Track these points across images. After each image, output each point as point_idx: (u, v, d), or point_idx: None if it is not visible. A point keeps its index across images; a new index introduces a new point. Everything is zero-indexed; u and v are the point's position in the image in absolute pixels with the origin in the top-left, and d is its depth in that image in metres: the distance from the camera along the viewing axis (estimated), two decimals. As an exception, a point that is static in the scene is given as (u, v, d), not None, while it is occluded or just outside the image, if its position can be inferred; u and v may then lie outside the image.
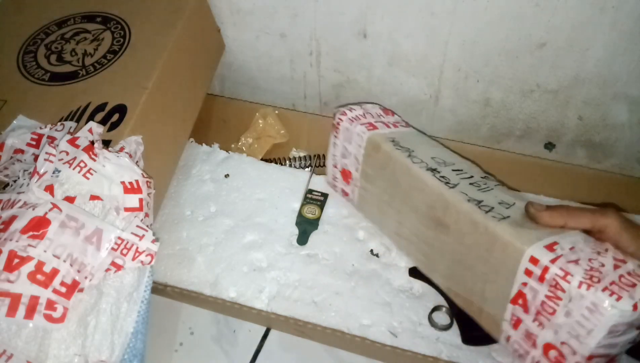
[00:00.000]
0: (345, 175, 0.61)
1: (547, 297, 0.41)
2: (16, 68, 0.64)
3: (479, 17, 0.61)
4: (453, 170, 0.53)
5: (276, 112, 0.78)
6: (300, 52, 0.75)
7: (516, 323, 0.45)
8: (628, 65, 0.60)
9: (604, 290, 0.37)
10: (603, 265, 0.40)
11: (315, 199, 0.66)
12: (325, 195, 0.66)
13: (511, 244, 0.43)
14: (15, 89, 0.62)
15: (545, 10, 0.57)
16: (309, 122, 0.78)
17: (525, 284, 0.42)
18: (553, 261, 0.40)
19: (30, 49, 0.67)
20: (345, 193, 0.64)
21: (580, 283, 0.39)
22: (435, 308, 0.56)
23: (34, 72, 0.64)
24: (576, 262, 0.40)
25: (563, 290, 0.40)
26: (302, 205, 0.65)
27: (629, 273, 0.39)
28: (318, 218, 0.64)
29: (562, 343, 0.41)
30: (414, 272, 0.59)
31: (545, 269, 0.40)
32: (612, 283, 0.38)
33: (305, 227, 0.63)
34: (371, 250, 0.61)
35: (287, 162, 0.76)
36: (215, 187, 0.69)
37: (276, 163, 0.74)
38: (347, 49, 0.71)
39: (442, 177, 0.51)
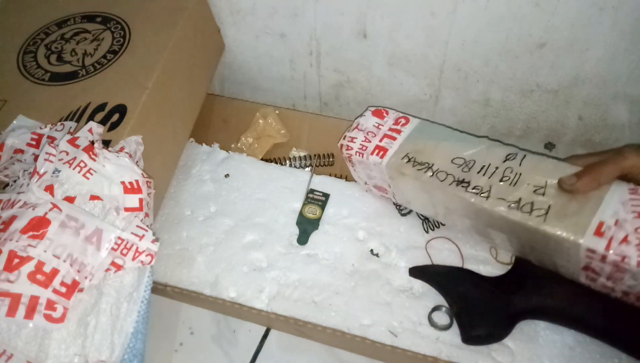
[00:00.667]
0: (380, 188, 0.62)
1: (612, 271, 0.45)
2: (16, 68, 0.64)
3: (479, 17, 0.61)
4: (478, 171, 0.52)
5: (276, 111, 0.78)
6: (300, 52, 0.75)
7: (592, 279, 0.49)
8: (628, 65, 0.60)
9: None
10: None
11: (317, 199, 0.66)
12: (326, 196, 0.66)
13: (565, 240, 0.46)
14: (15, 89, 0.62)
15: (545, 10, 0.57)
16: (309, 122, 0.78)
17: (589, 263, 0.47)
18: (607, 248, 0.44)
19: (30, 49, 0.67)
20: (385, 196, 0.64)
21: (638, 262, 0.43)
22: (435, 308, 0.56)
23: (34, 72, 0.64)
24: (626, 240, 0.44)
25: (625, 269, 0.44)
26: (304, 205, 0.65)
27: None
28: (319, 219, 0.64)
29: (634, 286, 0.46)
30: (414, 272, 0.59)
31: (604, 257, 0.44)
32: None
33: (306, 227, 0.63)
34: (371, 250, 0.61)
35: (287, 161, 0.76)
36: (215, 187, 0.69)
37: (276, 163, 0.74)
38: (347, 49, 0.71)
39: (474, 188, 0.51)
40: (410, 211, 0.64)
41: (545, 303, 0.53)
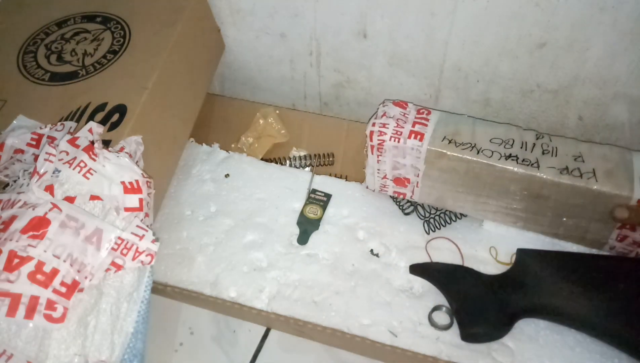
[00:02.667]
0: (400, 181, 0.61)
1: None
2: (16, 68, 0.64)
3: (479, 17, 0.61)
4: (520, 147, 0.55)
5: (276, 111, 0.78)
6: (300, 52, 0.75)
7: (622, 238, 0.54)
8: (628, 65, 0.60)
9: None
10: None
11: (319, 199, 0.65)
12: (328, 196, 0.66)
13: (617, 196, 0.50)
14: (15, 89, 0.62)
15: (545, 10, 0.57)
16: (310, 122, 0.78)
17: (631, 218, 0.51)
18: None
19: (30, 49, 0.67)
20: (400, 194, 0.63)
21: None
22: (435, 308, 0.56)
23: (34, 72, 0.64)
24: None
25: None
26: (305, 205, 0.65)
27: None
28: (320, 219, 0.64)
29: None
30: (415, 269, 0.59)
31: (623, 205, 0.49)
32: None
33: (307, 227, 0.63)
34: (371, 250, 0.61)
35: (288, 161, 0.76)
36: (216, 186, 0.69)
37: (276, 163, 0.74)
38: (347, 49, 0.71)
39: (524, 160, 0.54)
40: (414, 210, 0.63)
41: (545, 302, 0.53)
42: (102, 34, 0.66)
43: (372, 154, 0.59)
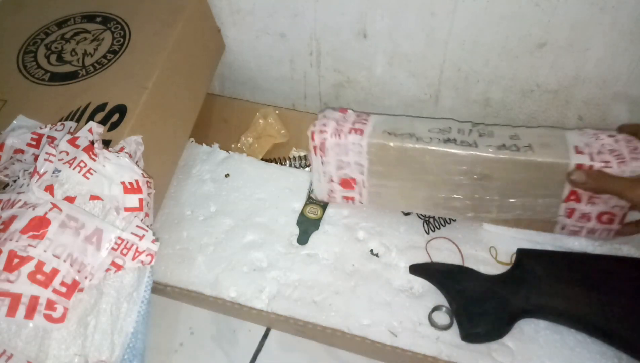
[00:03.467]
0: (347, 183, 0.61)
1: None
2: (16, 68, 0.64)
3: (479, 17, 0.61)
4: (457, 132, 0.57)
5: (276, 111, 0.78)
6: (300, 52, 0.75)
7: (570, 213, 0.55)
8: (628, 65, 0.60)
9: (632, 160, 0.51)
10: (612, 145, 0.53)
11: (319, 200, 0.65)
12: (325, 195, 0.66)
13: (556, 164, 0.52)
14: (15, 89, 0.62)
15: (545, 10, 0.57)
16: (309, 122, 0.77)
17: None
18: (591, 159, 0.51)
19: (30, 49, 0.67)
20: (348, 199, 0.63)
21: (619, 163, 0.51)
22: (435, 308, 0.56)
23: (34, 72, 0.64)
24: (600, 151, 0.52)
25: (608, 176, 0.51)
26: (305, 205, 0.65)
27: (634, 149, 0.52)
28: (320, 219, 0.64)
29: (613, 206, 0.53)
30: (415, 269, 0.59)
31: (590, 168, 0.51)
32: (632, 155, 0.51)
33: (307, 227, 0.63)
34: (371, 250, 0.61)
35: (288, 161, 0.76)
36: (216, 186, 0.69)
37: (276, 163, 0.74)
38: (347, 49, 0.71)
39: (462, 142, 0.55)
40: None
41: (545, 302, 0.53)
42: (102, 34, 0.66)
43: (316, 155, 0.59)
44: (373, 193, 0.61)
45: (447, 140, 0.55)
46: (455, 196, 0.57)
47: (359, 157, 0.57)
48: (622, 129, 0.55)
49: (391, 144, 0.55)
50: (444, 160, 0.55)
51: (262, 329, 0.60)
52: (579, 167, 0.51)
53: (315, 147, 0.59)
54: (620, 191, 0.50)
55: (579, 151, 0.52)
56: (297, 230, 0.63)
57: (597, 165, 0.51)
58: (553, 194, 0.54)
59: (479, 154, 0.53)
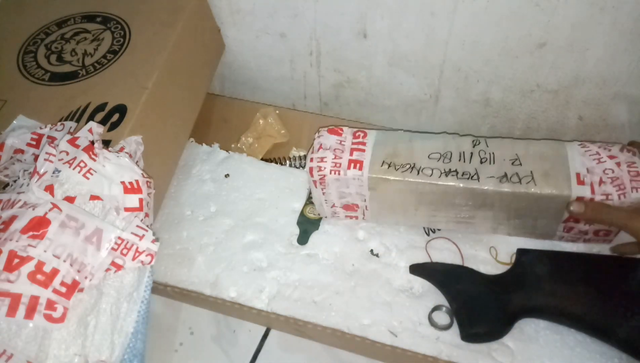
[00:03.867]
0: (349, 207, 0.61)
1: None
2: (16, 68, 0.64)
3: (479, 17, 0.61)
4: (459, 160, 0.56)
5: (276, 111, 0.78)
6: (300, 52, 0.75)
7: (569, 229, 0.56)
8: (628, 65, 0.60)
9: (632, 191, 0.50)
10: (614, 171, 0.52)
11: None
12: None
13: (557, 196, 0.52)
14: (15, 89, 0.62)
15: (545, 10, 0.57)
16: (309, 122, 0.78)
17: None
18: (592, 192, 0.51)
19: (30, 49, 0.67)
20: (352, 217, 0.63)
21: (619, 196, 0.50)
22: (435, 308, 0.56)
23: (34, 72, 0.64)
24: (602, 181, 0.51)
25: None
26: (305, 205, 0.65)
27: (637, 175, 0.51)
28: (320, 219, 0.64)
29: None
30: (414, 269, 0.59)
31: (591, 200, 0.51)
32: (633, 184, 0.51)
33: (307, 227, 0.63)
34: (371, 250, 0.61)
35: (288, 161, 0.76)
36: (216, 186, 0.69)
37: (276, 163, 0.74)
38: (347, 49, 0.71)
39: (463, 174, 0.54)
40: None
41: (544, 302, 0.53)
42: (102, 34, 0.66)
43: (316, 188, 0.59)
44: (375, 213, 0.61)
45: (449, 172, 0.54)
46: (456, 217, 0.58)
47: (359, 189, 0.57)
48: (633, 144, 0.55)
49: (391, 178, 0.55)
50: (445, 192, 0.55)
51: (262, 329, 0.60)
52: (580, 199, 0.51)
53: (315, 181, 0.58)
54: (619, 223, 0.51)
55: (580, 182, 0.51)
56: (297, 230, 0.63)
57: (598, 197, 0.51)
58: (552, 217, 0.55)
59: (481, 188, 0.53)
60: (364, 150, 0.57)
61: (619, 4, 0.54)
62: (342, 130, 0.60)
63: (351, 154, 0.57)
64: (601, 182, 0.51)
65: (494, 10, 0.59)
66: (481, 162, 0.55)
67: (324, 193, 0.59)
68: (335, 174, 0.56)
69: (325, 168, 0.57)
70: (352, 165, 0.56)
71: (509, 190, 0.52)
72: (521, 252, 0.57)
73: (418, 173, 0.55)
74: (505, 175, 0.53)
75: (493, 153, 0.55)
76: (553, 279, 0.54)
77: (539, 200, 0.52)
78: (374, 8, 0.65)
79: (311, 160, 0.58)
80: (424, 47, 0.66)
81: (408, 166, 0.55)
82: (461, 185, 0.53)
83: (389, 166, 0.55)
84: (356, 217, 0.63)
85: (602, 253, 0.58)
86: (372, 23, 0.66)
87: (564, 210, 0.53)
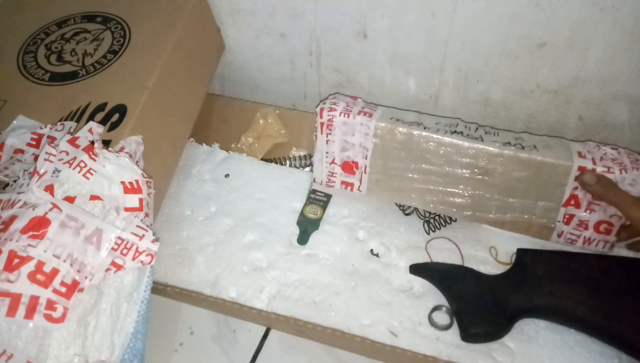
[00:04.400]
0: (348, 166, 0.61)
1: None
2: (16, 68, 0.64)
3: (479, 17, 0.61)
4: (464, 128, 0.58)
5: (277, 111, 0.78)
6: (300, 52, 0.75)
7: (568, 219, 0.56)
8: (628, 65, 0.60)
9: (633, 169, 0.52)
10: (613, 154, 0.54)
11: (319, 199, 0.65)
12: (328, 196, 0.66)
13: (559, 165, 0.53)
14: (15, 89, 0.62)
15: (545, 10, 0.57)
16: (309, 122, 0.78)
17: (576, 188, 0.54)
18: (594, 163, 0.52)
19: (30, 49, 0.67)
20: (347, 186, 0.63)
21: (620, 170, 0.52)
22: (435, 308, 0.56)
23: (34, 72, 0.64)
24: (602, 158, 0.53)
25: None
26: (305, 205, 0.65)
27: (636, 160, 0.54)
28: (320, 219, 0.64)
29: (611, 215, 0.54)
30: (415, 269, 0.59)
31: (593, 170, 0.52)
32: (633, 165, 0.53)
33: (307, 227, 0.63)
34: (371, 250, 0.61)
35: (288, 161, 0.76)
36: (216, 186, 0.69)
37: (276, 163, 0.74)
38: (347, 49, 0.71)
39: (468, 135, 0.56)
40: (414, 210, 0.64)
41: (544, 302, 0.53)
42: (102, 34, 0.66)
43: (322, 133, 0.60)
44: (372, 180, 0.61)
45: (454, 132, 0.56)
46: (455, 191, 0.58)
47: (364, 139, 0.58)
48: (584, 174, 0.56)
49: (399, 128, 0.56)
50: (449, 150, 0.56)
51: (262, 329, 0.60)
52: (582, 169, 0.52)
53: (322, 124, 0.59)
54: (622, 205, 0.52)
55: (581, 156, 0.53)
56: (297, 230, 0.63)
57: (599, 169, 0.52)
58: (553, 197, 0.55)
59: (484, 147, 0.54)
60: (374, 110, 0.60)
61: (619, 4, 0.54)
62: (356, 98, 0.63)
63: (362, 108, 0.60)
64: (602, 158, 0.53)
65: (494, 10, 0.59)
66: (486, 133, 0.57)
67: (327, 142, 0.60)
68: (344, 116, 0.58)
69: (336, 109, 0.59)
70: (363, 113, 0.59)
71: (511, 153, 0.54)
72: (521, 252, 0.57)
73: (425, 129, 0.56)
74: (509, 143, 0.55)
75: (498, 132, 0.58)
76: (553, 279, 0.54)
77: (541, 168, 0.53)
78: (374, 8, 0.65)
79: (324, 102, 0.60)
80: (424, 47, 0.67)
81: (416, 123, 0.57)
82: (466, 144, 0.55)
83: (397, 120, 0.57)
84: (352, 186, 0.63)
85: (602, 254, 0.58)
86: (372, 23, 0.67)
87: (565, 188, 0.54)
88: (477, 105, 0.71)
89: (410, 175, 0.58)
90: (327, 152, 0.61)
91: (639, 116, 0.64)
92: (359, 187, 0.62)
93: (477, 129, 0.58)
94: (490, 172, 0.55)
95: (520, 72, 0.65)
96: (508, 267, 0.58)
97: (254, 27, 0.74)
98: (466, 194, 0.58)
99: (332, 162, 0.61)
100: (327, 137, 0.60)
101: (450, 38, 0.64)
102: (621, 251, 0.59)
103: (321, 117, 0.59)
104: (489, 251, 0.60)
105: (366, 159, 0.59)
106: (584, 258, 0.57)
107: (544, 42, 0.61)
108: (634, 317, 0.50)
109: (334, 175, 0.63)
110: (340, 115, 0.58)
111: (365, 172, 0.60)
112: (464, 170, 0.56)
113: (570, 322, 0.53)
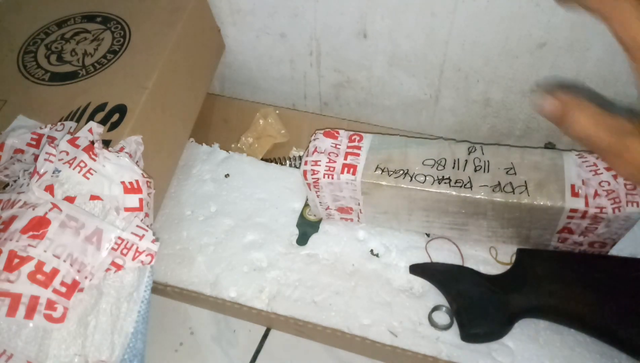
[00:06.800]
0: (344, 210, 0.61)
1: (589, 224, 0.52)
2: (16, 68, 0.64)
3: (479, 17, 0.61)
4: (452, 167, 0.55)
5: (276, 111, 0.78)
6: (300, 52, 0.75)
7: (563, 240, 0.56)
8: (628, 65, 0.59)
9: (627, 205, 0.50)
10: (610, 184, 0.51)
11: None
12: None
13: (550, 207, 0.51)
14: (15, 89, 0.62)
15: (545, 10, 0.57)
16: (310, 122, 0.78)
17: (568, 224, 0.53)
18: (586, 205, 0.50)
19: (30, 49, 0.67)
20: (347, 220, 0.63)
21: (614, 209, 0.50)
22: (435, 308, 0.56)
23: (34, 72, 0.64)
24: (597, 194, 0.51)
25: (602, 218, 0.51)
26: (305, 206, 0.65)
27: (632, 189, 0.51)
28: (319, 221, 0.64)
29: (606, 238, 0.54)
30: (414, 269, 0.59)
31: (584, 213, 0.50)
32: (629, 198, 0.50)
33: (306, 229, 0.63)
34: (371, 250, 0.61)
35: (288, 161, 0.76)
36: (216, 186, 0.69)
37: (276, 163, 0.74)
38: (347, 49, 0.71)
39: (456, 182, 0.54)
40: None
41: (545, 302, 0.53)
42: (102, 34, 0.66)
43: (310, 190, 0.59)
44: (370, 218, 0.61)
45: (442, 179, 0.54)
46: (450, 223, 0.58)
47: (353, 193, 0.57)
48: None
49: (384, 183, 0.55)
50: (438, 199, 0.55)
51: (262, 329, 0.60)
52: (573, 211, 0.51)
53: (309, 184, 0.58)
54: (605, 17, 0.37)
55: (574, 194, 0.51)
56: (297, 230, 0.63)
57: (592, 211, 0.50)
58: (546, 228, 0.54)
59: (473, 196, 0.53)
60: (358, 155, 0.57)
61: (619, 4, 0.54)
62: (338, 133, 0.60)
63: (345, 158, 0.57)
64: (596, 194, 0.50)
65: (494, 10, 0.59)
66: (475, 170, 0.54)
67: (318, 196, 0.59)
68: (328, 177, 0.56)
69: (319, 171, 0.56)
70: (346, 169, 0.56)
71: (501, 199, 0.52)
72: (521, 252, 0.57)
73: (411, 179, 0.54)
74: (499, 184, 0.53)
75: (488, 161, 0.55)
76: (553, 279, 0.54)
77: (532, 211, 0.52)
78: (374, 8, 0.65)
79: (305, 163, 0.57)
80: (424, 47, 0.67)
81: (401, 172, 0.55)
82: (454, 193, 0.53)
83: (383, 171, 0.55)
84: (351, 220, 0.63)
85: (602, 254, 0.58)
86: (372, 23, 0.67)
87: (559, 220, 0.52)
88: (477, 105, 0.71)
89: (404, 213, 0.58)
90: (320, 203, 0.61)
91: (638, 116, 0.64)
92: (358, 221, 0.62)
93: (466, 164, 0.55)
94: (482, 214, 0.55)
95: (520, 72, 0.65)
96: (508, 267, 0.58)
97: (254, 27, 0.74)
98: (461, 226, 0.58)
99: (327, 208, 0.61)
100: (317, 193, 0.59)
101: (450, 38, 0.64)
102: (621, 251, 0.59)
103: (305, 178, 0.57)
104: (489, 251, 0.60)
105: (359, 205, 0.59)
106: (584, 258, 0.57)
107: (544, 42, 0.61)
108: (634, 317, 0.50)
109: (332, 215, 0.63)
110: (324, 176, 0.56)
111: (361, 212, 0.60)
112: (455, 213, 0.56)
113: (571, 322, 0.53)
